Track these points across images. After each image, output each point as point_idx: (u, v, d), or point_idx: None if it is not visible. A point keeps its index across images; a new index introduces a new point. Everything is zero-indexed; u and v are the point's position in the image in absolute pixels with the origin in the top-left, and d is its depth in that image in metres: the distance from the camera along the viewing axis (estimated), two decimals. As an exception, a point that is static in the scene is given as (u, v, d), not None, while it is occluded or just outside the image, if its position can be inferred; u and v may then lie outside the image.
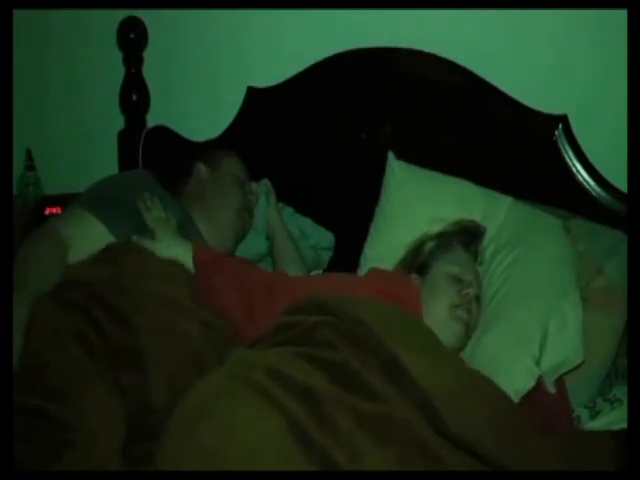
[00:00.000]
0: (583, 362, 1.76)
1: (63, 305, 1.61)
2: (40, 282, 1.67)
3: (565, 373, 1.76)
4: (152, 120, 2.47)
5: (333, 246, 2.32)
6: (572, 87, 2.13)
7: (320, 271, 2.28)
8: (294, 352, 1.46)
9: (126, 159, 2.45)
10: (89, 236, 1.82)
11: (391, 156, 2.13)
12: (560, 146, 2.08)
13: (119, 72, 2.43)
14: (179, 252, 1.79)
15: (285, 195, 2.29)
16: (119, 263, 1.73)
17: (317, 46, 2.30)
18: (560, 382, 1.76)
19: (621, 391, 1.79)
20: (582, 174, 2.07)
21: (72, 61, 2.65)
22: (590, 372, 1.82)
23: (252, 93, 2.40)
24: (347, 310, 1.53)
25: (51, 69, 2.70)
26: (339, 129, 2.30)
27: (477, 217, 1.99)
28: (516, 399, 1.68)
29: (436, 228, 1.96)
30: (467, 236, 1.93)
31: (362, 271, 2.06)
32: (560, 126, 2.08)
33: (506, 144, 2.14)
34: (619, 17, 1.93)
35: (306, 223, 2.32)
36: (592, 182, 2.07)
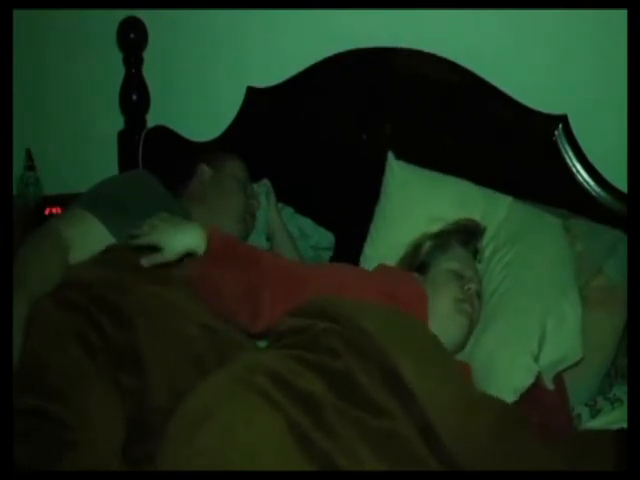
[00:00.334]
0: (582, 359, 1.76)
1: (64, 306, 1.61)
2: (41, 281, 1.67)
3: (564, 370, 1.76)
4: (152, 120, 2.47)
5: (333, 246, 2.31)
6: (572, 87, 2.13)
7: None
8: (298, 357, 1.45)
9: (126, 159, 2.45)
10: (90, 237, 1.82)
11: (391, 156, 2.13)
12: (560, 146, 2.09)
13: (119, 72, 2.42)
14: (189, 242, 1.69)
15: (285, 195, 2.29)
16: (120, 264, 1.72)
17: (317, 46, 2.30)
18: (559, 379, 1.76)
19: (621, 391, 1.79)
20: (582, 174, 2.08)
21: (72, 61, 2.65)
22: (590, 370, 1.82)
23: (252, 93, 2.40)
24: (350, 317, 1.52)
25: (51, 69, 2.70)
26: (339, 129, 2.30)
27: (477, 217, 1.99)
28: (515, 397, 1.68)
29: (436, 228, 1.96)
30: (466, 234, 1.93)
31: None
32: (560, 126, 2.08)
33: (506, 144, 2.15)
34: (619, 17, 1.93)
35: (306, 223, 2.31)
36: (592, 182, 2.07)
